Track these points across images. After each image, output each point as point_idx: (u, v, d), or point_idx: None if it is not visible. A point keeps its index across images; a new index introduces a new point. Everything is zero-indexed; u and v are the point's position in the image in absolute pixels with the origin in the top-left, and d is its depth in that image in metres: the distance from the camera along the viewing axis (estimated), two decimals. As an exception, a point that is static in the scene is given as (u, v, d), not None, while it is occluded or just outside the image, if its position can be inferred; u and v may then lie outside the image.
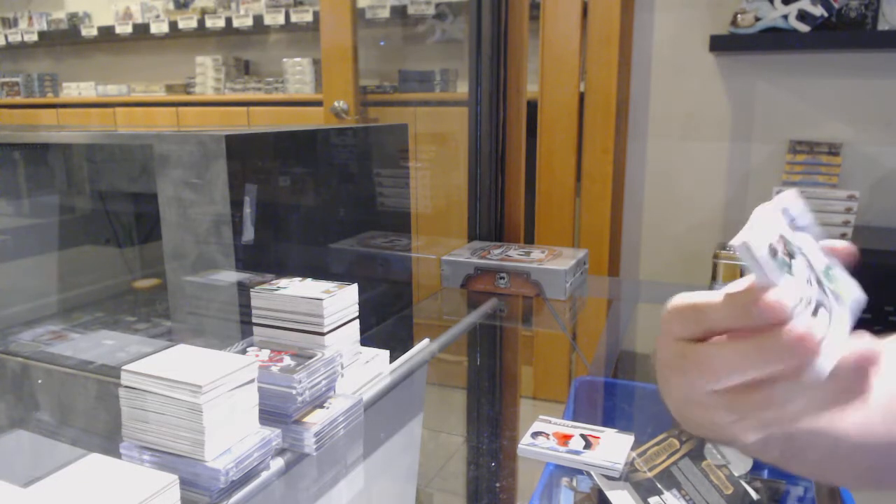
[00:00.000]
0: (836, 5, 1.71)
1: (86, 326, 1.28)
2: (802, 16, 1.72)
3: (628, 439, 0.89)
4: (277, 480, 0.81)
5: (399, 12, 2.68)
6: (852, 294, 0.36)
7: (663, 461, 0.85)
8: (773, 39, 1.77)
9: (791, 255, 0.33)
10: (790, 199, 0.34)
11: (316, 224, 1.28)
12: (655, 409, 0.89)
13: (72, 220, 1.47)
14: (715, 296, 0.34)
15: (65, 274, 1.42)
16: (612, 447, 0.88)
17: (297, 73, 2.95)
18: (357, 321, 0.93)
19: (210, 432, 0.75)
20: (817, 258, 0.35)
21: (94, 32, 3.37)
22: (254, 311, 1.16)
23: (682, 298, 0.35)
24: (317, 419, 0.81)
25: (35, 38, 3.54)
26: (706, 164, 1.96)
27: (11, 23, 3.62)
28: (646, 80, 2.04)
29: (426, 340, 1.12)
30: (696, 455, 0.84)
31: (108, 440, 0.84)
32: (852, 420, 0.40)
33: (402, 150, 1.96)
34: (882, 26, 1.70)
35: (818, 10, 1.70)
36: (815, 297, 0.33)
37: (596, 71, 1.99)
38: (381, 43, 2.84)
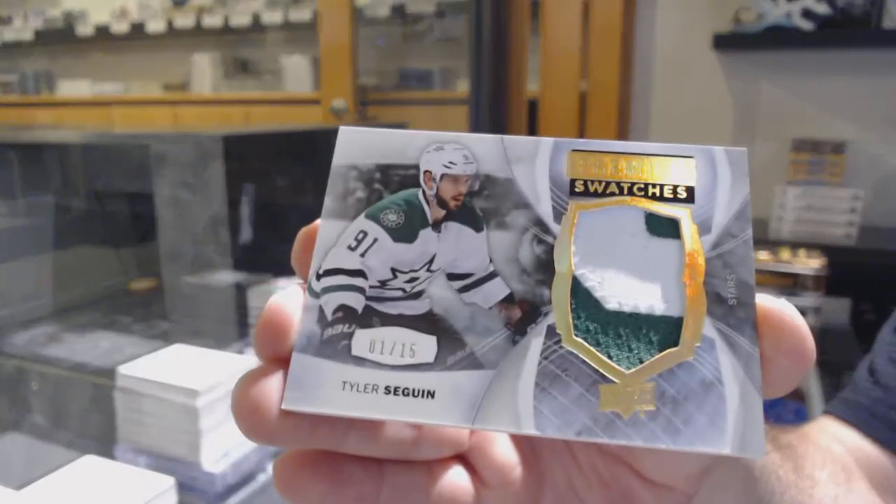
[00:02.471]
0: (840, 3, 1.70)
1: (81, 328, 1.27)
2: (806, 13, 1.71)
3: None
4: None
5: (398, 11, 2.67)
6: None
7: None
8: (777, 37, 1.75)
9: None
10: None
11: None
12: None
13: (67, 220, 1.46)
14: None
15: (60, 275, 1.40)
16: None
17: (296, 72, 2.94)
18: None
19: (206, 436, 0.74)
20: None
21: (90, 31, 3.35)
22: (251, 312, 1.15)
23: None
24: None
25: (30, 36, 3.52)
26: (708, 163, 1.95)
27: (6, 21, 3.61)
28: (648, 78, 2.02)
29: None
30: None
31: (103, 443, 0.83)
32: None
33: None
34: (887, 24, 1.68)
35: (822, 8, 1.69)
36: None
37: (597, 69, 1.98)
38: (380, 42, 2.83)
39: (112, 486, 0.65)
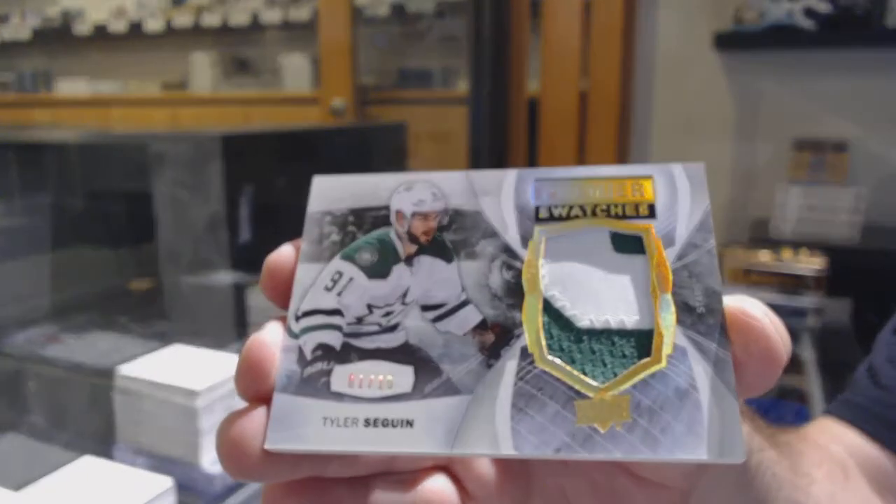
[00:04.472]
0: (842, 2, 1.70)
1: (80, 328, 1.26)
2: (808, 12, 1.70)
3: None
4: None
5: (398, 10, 2.67)
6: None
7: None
8: (779, 36, 1.75)
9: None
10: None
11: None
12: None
13: (66, 220, 1.45)
14: None
15: (58, 275, 1.40)
16: None
17: (295, 72, 2.94)
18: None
19: (206, 436, 0.73)
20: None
21: (88, 30, 3.35)
22: (250, 312, 1.15)
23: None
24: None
25: (28, 35, 3.52)
26: (710, 162, 1.92)
27: (3, 19, 3.60)
28: (649, 77, 2.02)
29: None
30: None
31: (102, 443, 0.82)
32: None
33: (401, 149, 1.94)
34: (890, 23, 1.68)
35: (824, 7, 1.69)
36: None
37: (598, 68, 1.98)
38: (380, 41, 2.83)
39: (111, 486, 0.65)
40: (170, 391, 0.74)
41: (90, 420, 0.95)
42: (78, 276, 1.45)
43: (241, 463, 0.19)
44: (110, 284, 1.50)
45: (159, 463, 0.76)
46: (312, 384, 0.20)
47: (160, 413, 0.75)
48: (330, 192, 0.23)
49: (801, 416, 1.02)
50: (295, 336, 0.21)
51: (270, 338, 0.21)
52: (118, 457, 0.79)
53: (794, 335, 1.23)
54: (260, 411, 0.20)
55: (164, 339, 1.20)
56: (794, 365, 1.12)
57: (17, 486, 0.63)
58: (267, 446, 0.20)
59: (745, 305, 0.20)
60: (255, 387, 0.20)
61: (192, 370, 0.77)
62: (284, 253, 0.23)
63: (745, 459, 0.18)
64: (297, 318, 0.22)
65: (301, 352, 0.21)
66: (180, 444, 0.75)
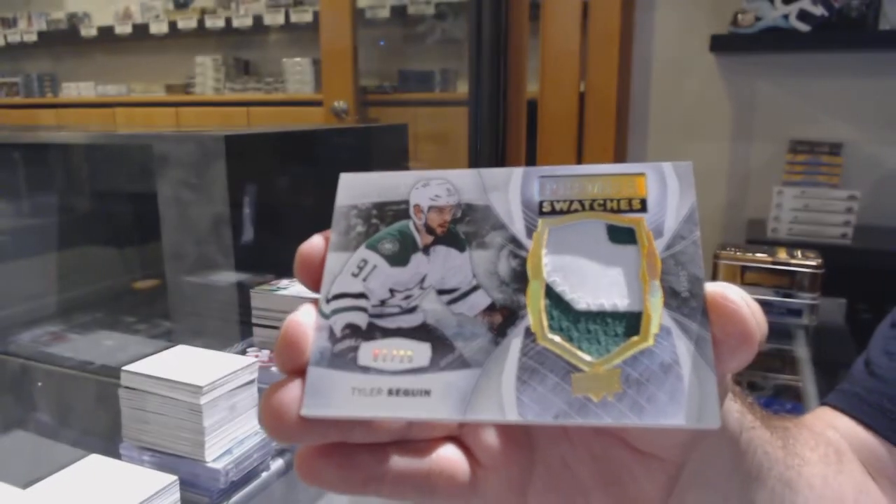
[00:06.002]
0: (837, 5, 1.71)
1: (85, 327, 1.28)
2: (803, 15, 1.71)
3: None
4: (278, 481, 0.81)
5: (399, 12, 2.68)
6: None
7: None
8: (774, 39, 1.76)
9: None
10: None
11: (315, 224, 1.27)
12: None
13: (72, 220, 1.47)
14: None
15: (65, 274, 1.41)
16: None
17: (297, 73, 2.95)
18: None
19: (210, 433, 0.74)
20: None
21: (94, 32, 3.37)
22: (253, 312, 1.16)
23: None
24: (317, 420, 0.80)
25: (34, 38, 3.54)
26: (706, 163, 1.96)
27: (10, 23, 3.62)
28: (646, 79, 2.03)
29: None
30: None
31: (108, 441, 0.84)
32: None
33: (402, 150, 1.95)
34: (883, 26, 1.69)
35: (819, 10, 1.70)
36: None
37: (596, 70, 1.99)
38: (381, 43, 2.84)
39: (116, 483, 0.66)
40: (174, 388, 0.74)
41: (96, 418, 0.96)
42: (84, 276, 1.47)
43: (281, 427, 0.22)
44: (115, 284, 1.51)
45: (164, 459, 0.77)
46: (342, 359, 0.23)
47: (165, 410, 0.75)
48: (355, 188, 0.26)
49: (795, 413, 1.03)
50: (326, 317, 0.24)
51: (305, 318, 0.23)
52: (124, 454, 0.79)
53: (790, 334, 1.24)
54: (296, 382, 0.22)
55: (169, 337, 1.22)
56: (790, 363, 1.13)
57: (25, 483, 0.64)
58: (303, 412, 0.22)
59: (725, 290, 0.22)
60: (292, 361, 0.23)
61: (196, 368, 0.78)
62: (315, 243, 0.25)
63: (719, 426, 0.20)
64: (328, 301, 0.24)
65: (331, 330, 0.23)
66: (185, 441, 0.76)
